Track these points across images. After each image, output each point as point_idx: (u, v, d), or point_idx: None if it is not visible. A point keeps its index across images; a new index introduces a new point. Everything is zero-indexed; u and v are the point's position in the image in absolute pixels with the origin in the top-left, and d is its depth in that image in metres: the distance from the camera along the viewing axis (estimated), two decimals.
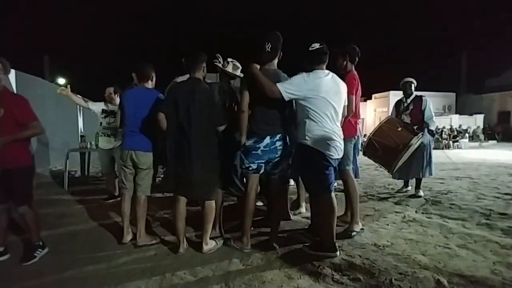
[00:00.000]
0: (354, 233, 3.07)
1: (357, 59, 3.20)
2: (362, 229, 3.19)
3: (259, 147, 2.60)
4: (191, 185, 2.62)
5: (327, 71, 2.61)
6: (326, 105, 2.52)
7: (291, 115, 2.73)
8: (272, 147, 2.62)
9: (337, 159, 2.67)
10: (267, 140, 2.60)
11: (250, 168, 2.67)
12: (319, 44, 2.56)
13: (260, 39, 2.63)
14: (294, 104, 2.67)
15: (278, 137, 2.63)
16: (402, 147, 3.53)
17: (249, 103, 2.59)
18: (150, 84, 3.00)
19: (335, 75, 2.65)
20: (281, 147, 2.65)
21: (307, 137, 2.52)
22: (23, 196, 2.59)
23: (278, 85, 2.45)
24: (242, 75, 3.06)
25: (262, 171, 2.71)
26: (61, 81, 18.25)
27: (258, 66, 2.60)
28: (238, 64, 3.23)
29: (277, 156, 2.66)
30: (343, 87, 2.68)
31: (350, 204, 3.23)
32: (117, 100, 4.30)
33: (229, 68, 3.19)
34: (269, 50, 2.60)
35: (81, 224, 3.59)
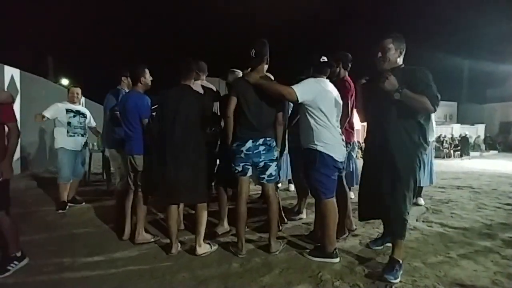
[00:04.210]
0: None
1: (349, 65, 3.35)
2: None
3: (242, 151, 2.68)
4: (180, 190, 2.69)
5: (328, 81, 2.77)
6: (332, 110, 2.65)
7: (283, 119, 2.85)
8: (255, 151, 2.68)
9: (342, 162, 2.76)
10: (249, 143, 2.66)
11: (236, 171, 2.75)
12: (325, 57, 2.73)
13: (246, 47, 2.74)
14: (295, 109, 2.73)
15: (261, 141, 2.68)
16: None
17: (235, 109, 2.67)
18: (140, 88, 3.00)
19: (332, 84, 2.79)
20: (264, 152, 2.70)
21: (316, 142, 2.60)
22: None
23: (293, 87, 2.56)
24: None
25: (249, 173, 2.77)
26: (65, 81, 18.31)
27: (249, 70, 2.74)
28: (237, 71, 3.37)
29: (260, 160, 2.70)
30: (338, 95, 2.78)
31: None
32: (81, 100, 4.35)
33: (230, 78, 3.28)
34: (253, 55, 2.69)
35: (81, 224, 3.59)
